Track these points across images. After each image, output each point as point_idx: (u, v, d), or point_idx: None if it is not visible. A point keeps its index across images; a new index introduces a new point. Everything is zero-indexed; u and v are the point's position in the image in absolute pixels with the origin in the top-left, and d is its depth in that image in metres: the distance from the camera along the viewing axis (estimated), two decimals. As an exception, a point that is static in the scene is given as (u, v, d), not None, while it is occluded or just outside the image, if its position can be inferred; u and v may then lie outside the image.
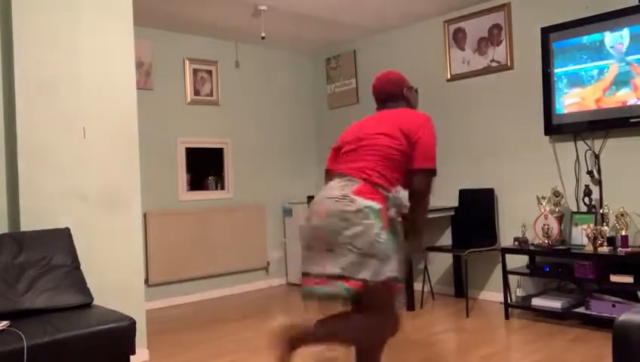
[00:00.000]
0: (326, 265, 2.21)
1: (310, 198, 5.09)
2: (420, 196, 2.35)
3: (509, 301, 4.09)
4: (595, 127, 3.94)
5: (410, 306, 4.40)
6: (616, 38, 3.77)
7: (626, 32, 3.73)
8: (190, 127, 5.30)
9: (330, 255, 2.21)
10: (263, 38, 4.78)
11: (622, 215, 3.66)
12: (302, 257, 2.37)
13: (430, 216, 4.41)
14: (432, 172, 2.36)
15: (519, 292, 4.18)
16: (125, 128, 3.42)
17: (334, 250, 2.20)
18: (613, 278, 3.52)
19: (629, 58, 3.73)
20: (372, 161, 2.33)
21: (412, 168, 2.35)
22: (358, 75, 5.81)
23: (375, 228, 2.19)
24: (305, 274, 2.33)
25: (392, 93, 2.57)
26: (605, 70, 3.86)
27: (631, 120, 3.74)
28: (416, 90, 2.65)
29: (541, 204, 4.03)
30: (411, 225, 2.40)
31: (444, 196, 4.86)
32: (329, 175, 2.53)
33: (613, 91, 3.83)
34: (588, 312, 3.67)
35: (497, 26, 4.60)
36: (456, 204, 4.79)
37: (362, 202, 2.21)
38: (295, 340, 2.32)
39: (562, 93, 4.09)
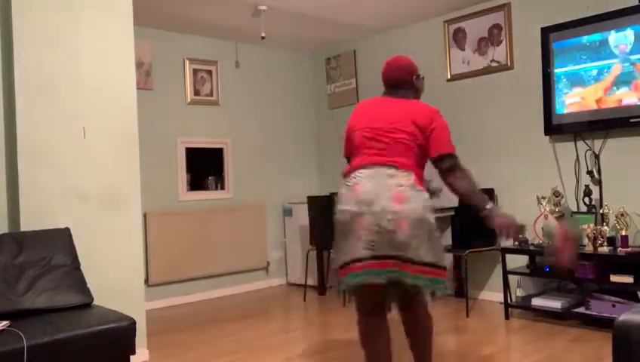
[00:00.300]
0: (425, 254, 2.32)
1: (311, 198, 5.09)
2: (454, 173, 2.41)
3: (509, 301, 4.09)
4: (595, 127, 3.94)
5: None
6: (621, 38, 3.77)
7: (630, 32, 3.73)
8: (190, 127, 5.30)
9: (416, 242, 2.30)
10: (263, 38, 4.78)
11: (622, 215, 3.66)
12: (364, 243, 2.33)
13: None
14: (453, 156, 2.43)
15: (519, 293, 4.18)
16: (125, 128, 3.42)
17: (418, 237, 2.30)
18: (613, 278, 3.52)
19: (633, 58, 3.73)
20: (407, 155, 2.41)
21: (432, 157, 2.45)
22: (358, 75, 5.81)
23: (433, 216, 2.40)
24: (374, 258, 2.33)
25: (402, 80, 2.59)
26: (605, 70, 3.86)
27: (631, 120, 3.74)
28: (422, 78, 2.71)
29: (541, 204, 4.03)
30: (475, 202, 2.41)
31: (444, 196, 4.85)
32: (359, 165, 2.47)
33: (614, 91, 3.83)
34: (588, 312, 3.67)
35: (497, 26, 4.60)
36: (456, 204, 4.78)
37: (426, 192, 2.38)
38: None
39: (562, 93, 4.09)
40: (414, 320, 2.60)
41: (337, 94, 6.04)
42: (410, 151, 2.41)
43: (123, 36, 3.42)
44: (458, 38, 4.89)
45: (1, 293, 2.58)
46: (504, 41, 4.55)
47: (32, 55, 3.08)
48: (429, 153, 2.45)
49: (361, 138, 2.49)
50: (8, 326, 2.36)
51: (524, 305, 4.05)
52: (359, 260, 2.35)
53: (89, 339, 2.44)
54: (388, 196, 2.31)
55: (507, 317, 4.06)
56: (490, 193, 4.57)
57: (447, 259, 4.92)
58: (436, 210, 2.60)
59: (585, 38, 3.95)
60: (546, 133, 4.21)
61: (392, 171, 2.37)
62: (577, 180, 4.11)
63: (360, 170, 2.43)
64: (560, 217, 3.84)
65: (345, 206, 2.40)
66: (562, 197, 4.06)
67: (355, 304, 2.56)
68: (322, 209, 4.81)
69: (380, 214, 2.30)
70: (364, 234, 2.33)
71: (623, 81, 3.78)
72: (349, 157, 2.65)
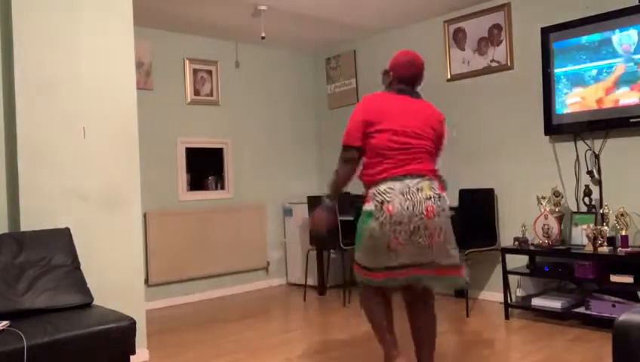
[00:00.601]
0: (448, 256, 2.51)
1: (311, 198, 5.08)
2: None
3: (509, 301, 4.09)
4: (595, 127, 3.94)
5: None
6: (624, 38, 3.76)
7: (633, 32, 3.72)
8: (190, 127, 5.30)
9: (447, 248, 2.51)
10: (263, 38, 4.78)
11: (622, 215, 3.66)
12: (406, 251, 2.47)
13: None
14: None
15: (519, 292, 4.18)
16: (125, 128, 3.42)
17: (449, 242, 2.52)
18: (613, 278, 3.52)
19: (637, 57, 3.71)
20: (428, 161, 2.59)
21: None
22: (358, 75, 5.81)
23: None
24: (418, 265, 2.48)
25: (420, 77, 2.71)
26: (605, 70, 3.86)
27: (631, 120, 3.74)
28: None
29: (541, 204, 4.03)
30: None
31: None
32: (386, 177, 2.54)
33: (615, 91, 3.83)
34: (588, 312, 3.67)
35: (497, 26, 4.60)
36: (456, 203, 4.79)
37: (446, 197, 2.56)
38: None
39: (562, 94, 4.09)
40: (422, 312, 2.68)
41: (337, 94, 6.04)
42: (428, 154, 2.58)
43: (123, 36, 3.42)
44: (458, 38, 4.89)
45: (1, 293, 2.58)
46: (504, 41, 4.55)
47: (32, 55, 3.08)
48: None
49: (385, 141, 2.55)
50: (8, 326, 2.36)
51: (524, 305, 4.05)
52: (391, 268, 2.49)
53: (89, 339, 2.44)
54: (420, 211, 2.44)
55: (507, 317, 4.06)
56: (490, 193, 4.57)
57: (447, 259, 4.92)
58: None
59: (585, 38, 3.94)
60: (546, 133, 4.21)
61: (418, 181, 2.49)
62: (577, 180, 4.11)
63: (388, 184, 2.50)
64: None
65: (377, 224, 2.48)
66: (562, 197, 4.06)
67: (362, 288, 2.70)
68: (322, 209, 4.80)
69: (415, 232, 2.44)
70: (399, 250, 2.46)
71: (626, 80, 3.77)
72: (350, 146, 2.66)
